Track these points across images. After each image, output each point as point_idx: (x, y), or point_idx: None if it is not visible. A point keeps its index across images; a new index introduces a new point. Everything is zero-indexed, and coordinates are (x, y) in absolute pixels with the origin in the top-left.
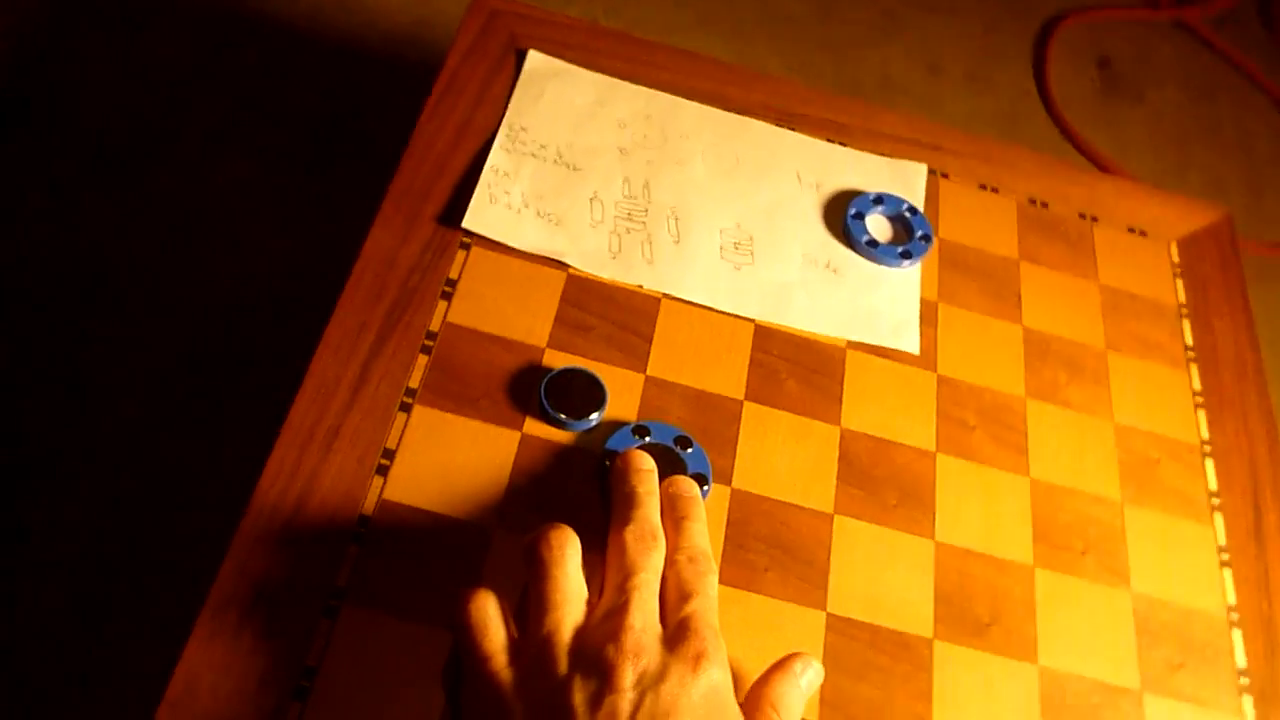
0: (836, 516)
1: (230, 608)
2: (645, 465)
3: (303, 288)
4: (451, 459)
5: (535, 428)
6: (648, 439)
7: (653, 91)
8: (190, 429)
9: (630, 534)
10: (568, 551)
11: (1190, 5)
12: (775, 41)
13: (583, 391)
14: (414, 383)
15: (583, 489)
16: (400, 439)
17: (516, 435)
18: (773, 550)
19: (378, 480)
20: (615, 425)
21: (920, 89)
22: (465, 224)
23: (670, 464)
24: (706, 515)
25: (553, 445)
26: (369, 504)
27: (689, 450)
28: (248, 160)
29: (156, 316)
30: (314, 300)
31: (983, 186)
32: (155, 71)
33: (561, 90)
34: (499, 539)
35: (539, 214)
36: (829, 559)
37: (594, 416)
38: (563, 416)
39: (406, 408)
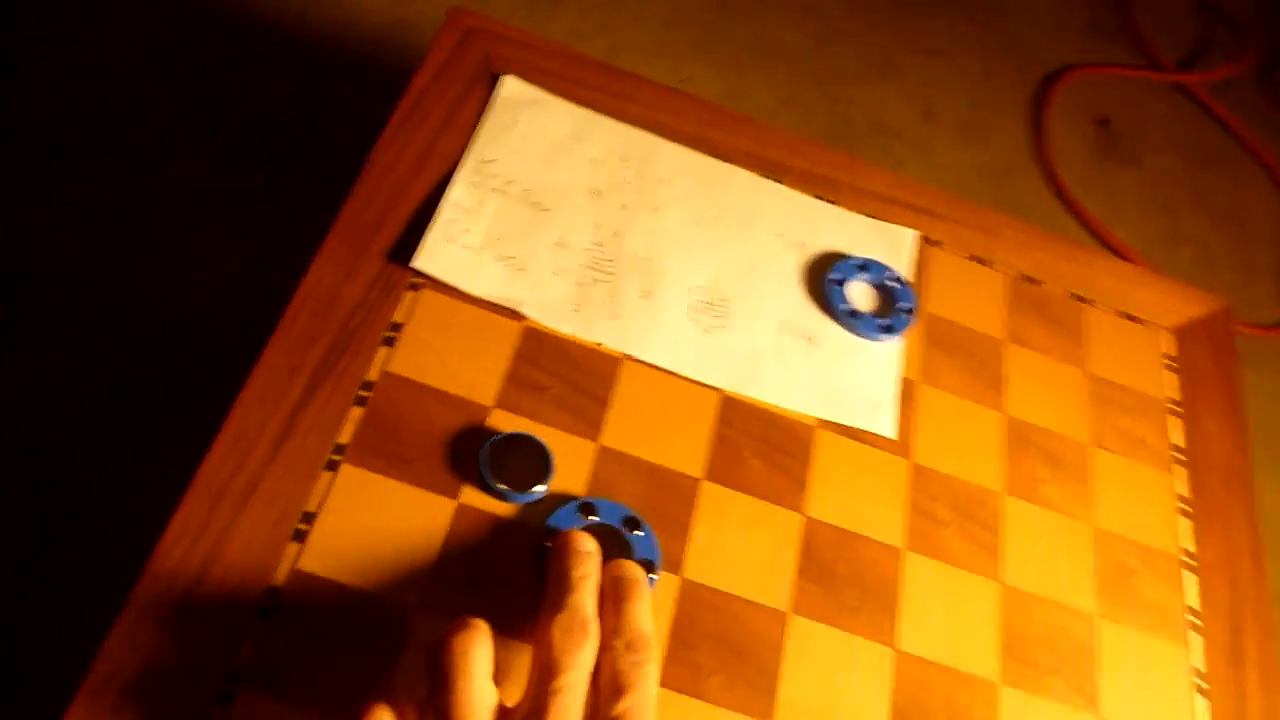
0: (792, 616)
1: (111, 688)
2: (585, 547)
3: (245, 303)
4: (377, 526)
5: (473, 497)
6: (594, 518)
7: (633, 129)
8: (101, 463)
9: (558, 626)
10: (473, 656)
11: (1193, 70)
12: (768, 73)
13: (528, 461)
14: (344, 438)
15: (519, 569)
16: (322, 501)
17: (452, 505)
18: (721, 650)
19: (293, 547)
20: (560, 500)
21: (913, 134)
22: (416, 264)
23: (617, 547)
24: (651, 606)
25: (490, 518)
26: (281, 573)
27: (638, 533)
28: (199, 159)
29: (84, 326)
30: (255, 320)
31: (974, 258)
32: (108, 59)
33: (535, 121)
34: (421, 621)
35: (499, 257)
36: (780, 663)
37: (538, 489)
38: (503, 488)
39: (333, 465)
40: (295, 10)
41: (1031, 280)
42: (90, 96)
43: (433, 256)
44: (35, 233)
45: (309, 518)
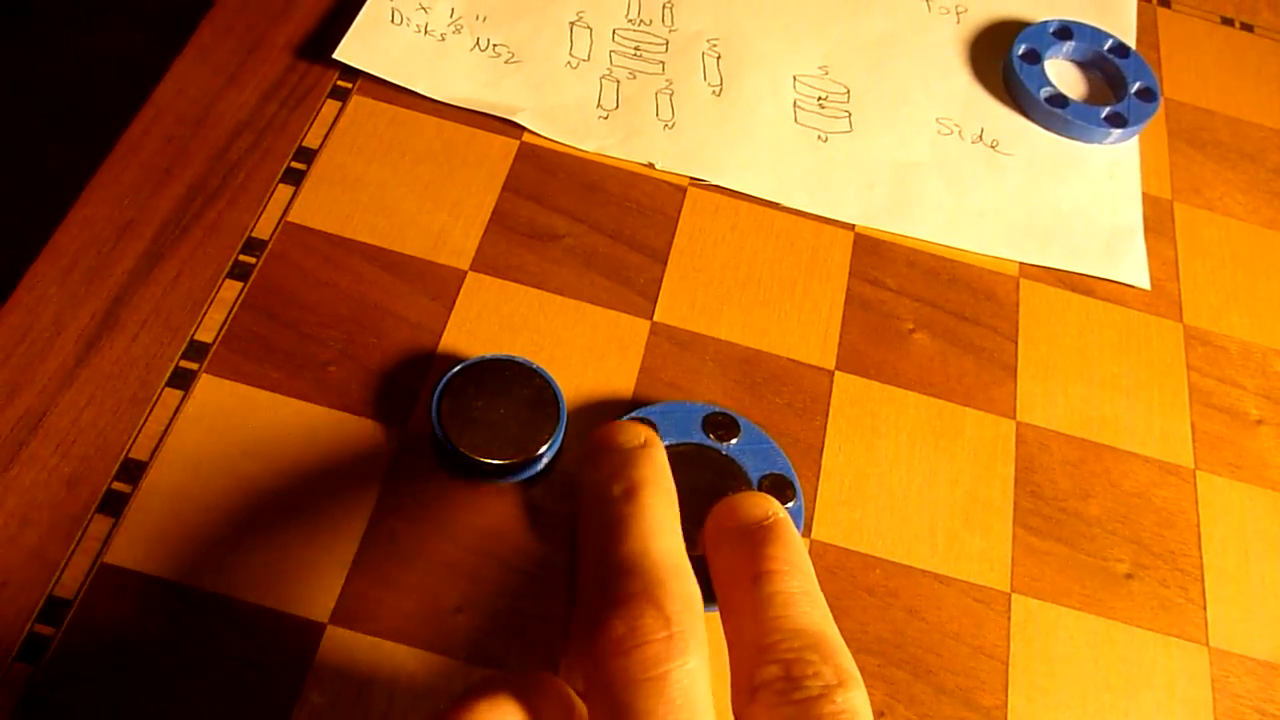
0: (1015, 599)
1: None
2: (633, 439)
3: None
4: (257, 484)
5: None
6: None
7: None
8: None
9: (609, 621)
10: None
11: None
12: None
13: (515, 410)
14: (205, 333)
15: (543, 556)
16: (159, 442)
17: (380, 435)
18: (890, 668)
19: (100, 524)
20: (592, 424)
21: None
22: (341, 55)
23: (711, 473)
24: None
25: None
26: (73, 576)
27: (733, 441)
28: (129, 31)
29: None
30: (74, 160)
31: (1226, 20)
32: None
33: None
34: (334, 641)
35: (480, 46)
36: (1005, 690)
37: (543, 454)
38: (479, 460)
39: (182, 379)
40: None
41: None
42: None
43: (369, 44)
44: None
45: (133, 471)
